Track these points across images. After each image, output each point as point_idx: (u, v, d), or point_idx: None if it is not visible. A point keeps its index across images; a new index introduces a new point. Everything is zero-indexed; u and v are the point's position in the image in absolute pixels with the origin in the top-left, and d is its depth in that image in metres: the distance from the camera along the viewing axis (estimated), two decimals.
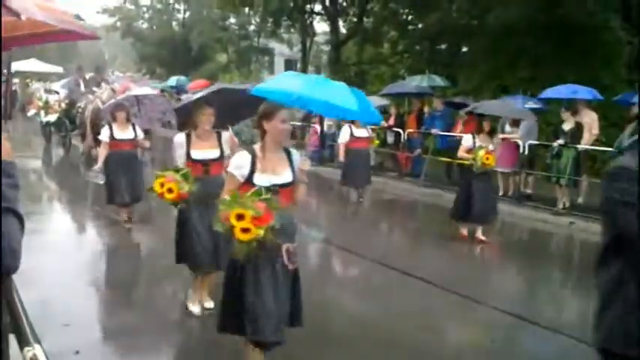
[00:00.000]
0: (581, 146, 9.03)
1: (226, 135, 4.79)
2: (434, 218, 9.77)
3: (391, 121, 12.64)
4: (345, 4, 23.10)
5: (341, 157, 9.93)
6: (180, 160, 4.63)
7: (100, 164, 7.26)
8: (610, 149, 9.52)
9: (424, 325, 4.81)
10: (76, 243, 7.26)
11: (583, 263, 7.49)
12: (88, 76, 15.52)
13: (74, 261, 6.22)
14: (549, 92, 10.49)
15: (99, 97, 12.11)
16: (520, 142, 9.82)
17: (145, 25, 36.53)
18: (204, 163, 4.64)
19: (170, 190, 4.34)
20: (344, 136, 9.65)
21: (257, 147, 3.40)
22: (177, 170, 4.48)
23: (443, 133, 11.47)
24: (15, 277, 1.61)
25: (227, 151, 4.69)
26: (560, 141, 9.16)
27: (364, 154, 9.77)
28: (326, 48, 25.20)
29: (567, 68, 13.05)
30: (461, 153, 7.48)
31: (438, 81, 14.59)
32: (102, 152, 7.27)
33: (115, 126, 7.25)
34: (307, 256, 7.36)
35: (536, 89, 11.70)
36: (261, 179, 3.27)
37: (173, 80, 23.85)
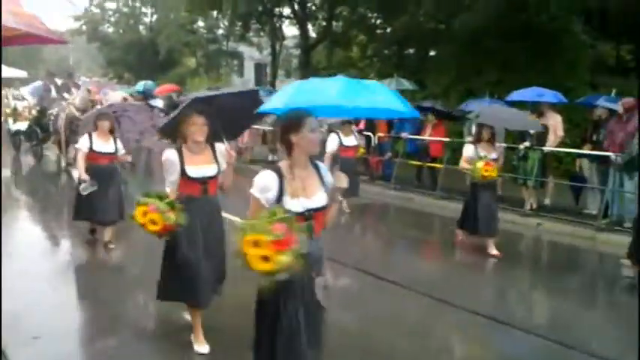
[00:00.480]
0: (547, 148, 9.23)
1: (221, 147, 4.20)
2: (405, 221, 9.86)
3: (361, 125, 12.71)
4: (314, 7, 23.21)
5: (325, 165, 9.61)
6: (172, 178, 4.07)
7: (84, 176, 6.51)
8: (574, 151, 9.79)
9: (399, 329, 4.84)
10: (47, 254, 6.97)
11: (551, 264, 7.67)
12: (59, 81, 14.69)
13: (46, 272, 6.07)
14: (515, 95, 10.69)
15: (72, 103, 11.70)
16: None
17: (112, 29, 35.94)
18: (202, 181, 4.11)
19: (154, 222, 3.79)
20: (332, 145, 9.10)
21: (283, 165, 2.90)
22: (160, 197, 3.90)
23: (412, 137, 11.59)
24: None
25: (223, 166, 4.20)
26: (527, 143, 9.36)
27: (352, 163, 9.23)
28: (296, 52, 25.25)
29: (532, 71, 13.35)
30: (462, 164, 7.11)
31: (407, 85, 14.77)
32: (80, 163, 6.57)
33: (95, 136, 6.58)
34: None
35: (502, 92, 11.93)
36: (292, 204, 2.78)
37: (140, 85, 23.50)
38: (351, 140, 9.24)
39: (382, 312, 5.23)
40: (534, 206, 9.35)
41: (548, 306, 5.89)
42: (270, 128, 15.44)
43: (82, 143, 6.61)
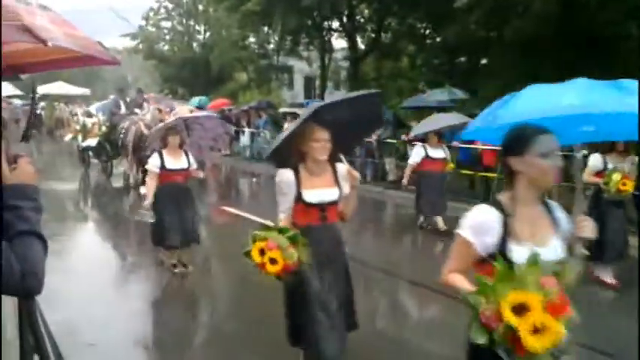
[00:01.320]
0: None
1: (343, 168, 3.59)
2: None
3: (411, 134, 12.60)
4: (362, 20, 23.26)
5: (404, 179, 8.87)
6: (287, 205, 3.48)
7: (149, 200, 6.03)
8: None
9: (440, 337, 4.72)
10: (110, 267, 7.19)
11: (638, 282, 7.31)
12: (128, 97, 14.74)
13: (102, 283, 6.27)
14: None
15: (142, 120, 11.60)
16: None
17: (167, 47, 37.13)
18: (322, 208, 3.52)
19: (274, 261, 3.16)
20: (416, 157, 8.39)
21: (505, 198, 2.22)
22: (281, 231, 3.28)
23: (464, 145, 11.38)
24: (42, 297, 1.62)
25: (345, 190, 3.59)
26: (585, 151, 9.00)
27: (439, 178, 8.60)
28: (344, 64, 25.33)
29: (590, 78, 12.87)
30: (588, 177, 6.06)
31: (459, 94, 14.55)
32: (150, 185, 6.04)
33: (165, 153, 6.08)
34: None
35: None
36: (520, 254, 2.05)
37: (195, 100, 24.19)
38: (438, 152, 8.52)
39: (434, 323, 5.12)
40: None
41: (638, 327, 5.62)
42: None
43: (153, 163, 6.06)
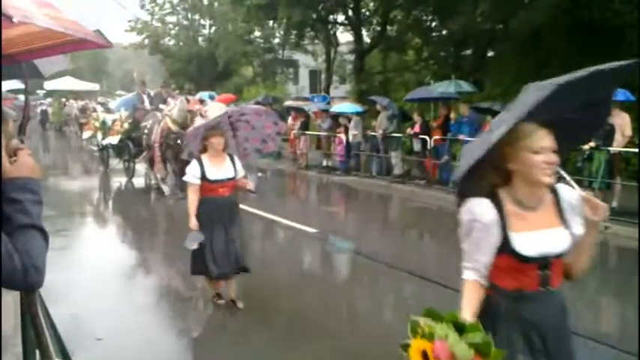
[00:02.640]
0: (614, 148, 8.80)
1: (572, 195, 2.22)
2: None
3: (417, 129, 12.56)
4: (368, 13, 23.16)
5: None
6: (480, 259, 2.17)
7: (193, 222, 4.91)
8: None
9: None
10: (116, 261, 7.28)
11: (619, 269, 7.29)
12: (152, 91, 13.74)
13: (108, 277, 6.30)
14: None
15: (168, 115, 10.64)
16: None
17: (172, 42, 37.15)
18: (544, 264, 2.15)
19: None
20: None
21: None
22: (459, 326, 1.91)
23: (470, 139, 11.31)
24: (50, 291, 1.62)
25: (576, 231, 2.19)
26: (592, 143, 8.95)
27: None
28: (350, 57, 25.24)
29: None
30: None
31: (465, 86, 14.47)
32: (192, 201, 4.91)
33: (206, 159, 4.92)
34: (337, 267, 7.33)
35: None
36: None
37: (205, 95, 24.13)
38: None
39: None
40: None
41: (616, 314, 5.59)
42: (325, 133, 15.51)
43: (191, 173, 4.92)
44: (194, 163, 4.95)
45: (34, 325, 1.58)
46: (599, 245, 8.14)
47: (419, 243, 8.81)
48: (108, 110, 15.26)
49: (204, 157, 4.94)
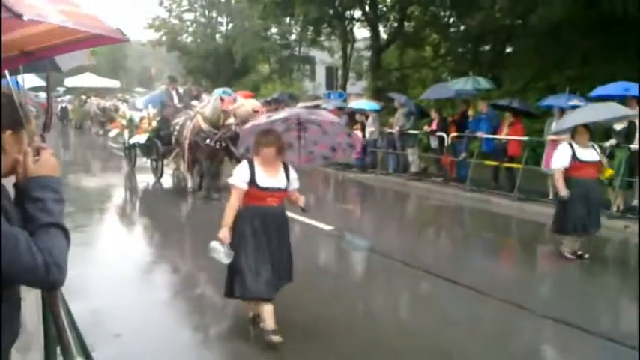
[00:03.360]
0: (635, 146, 8.66)
1: None
2: (481, 224, 9.57)
3: (434, 126, 12.48)
4: (385, 9, 23.06)
5: (561, 190, 6.60)
6: None
7: (225, 232, 4.21)
8: None
9: (474, 334, 4.68)
10: (135, 257, 7.39)
11: (638, 268, 7.18)
12: (181, 88, 13.24)
13: (127, 273, 6.36)
14: (599, 90, 10.11)
15: (200, 113, 10.23)
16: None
17: (190, 39, 37.40)
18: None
19: None
20: (562, 159, 6.68)
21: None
22: None
23: (488, 136, 11.22)
24: (68, 288, 1.64)
25: None
26: (612, 141, 8.83)
27: (592, 188, 6.80)
28: (367, 54, 25.17)
29: (616, 65, 12.58)
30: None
31: (483, 83, 14.32)
32: (232, 207, 4.28)
33: (258, 164, 4.29)
34: (353, 264, 7.33)
35: (584, 88, 11.32)
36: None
37: (219, 92, 24.17)
38: (590, 154, 6.76)
39: (456, 317, 5.08)
40: (621, 208, 8.80)
41: (636, 313, 5.51)
42: None
43: (240, 175, 4.30)
44: (244, 164, 4.34)
45: (57, 324, 1.60)
46: (618, 244, 8.06)
47: (435, 241, 8.76)
48: (135, 107, 14.36)
49: (255, 161, 4.32)
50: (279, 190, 4.35)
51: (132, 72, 61.00)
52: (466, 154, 11.85)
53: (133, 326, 4.71)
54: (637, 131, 8.68)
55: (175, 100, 12.23)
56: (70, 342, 1.61)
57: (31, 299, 1.73)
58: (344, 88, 24.08)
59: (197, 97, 12.01)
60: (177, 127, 10.89)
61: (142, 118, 12.70)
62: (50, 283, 1.53)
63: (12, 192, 1.65)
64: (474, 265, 7.02)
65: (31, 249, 1.48)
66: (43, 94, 33.00)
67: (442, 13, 21.07)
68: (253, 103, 10.30)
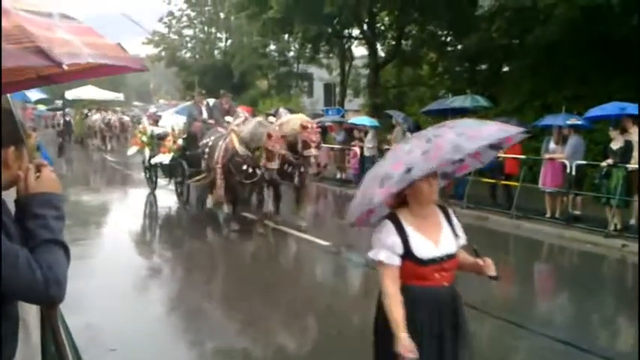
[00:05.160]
0: (632, 165, 8.71)
1: None
2: (479, 241, 9.51)
3: None
4: (383, 27, 23.26)
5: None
6: None
7: (403, 334, 2.49)
8: None
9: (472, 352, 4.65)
10: (131, 272, 7.36)
11: (637, 287, 7.17)
12: (210, 101, 11.85)
13: (121, 286, 6.33)
14: (596, 110, 10.19)
15: (235, 131, 8.90)
16: (567, 162, 9.57)
17: (189, 55, 37.63)
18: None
19: None
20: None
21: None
22: None
23: None
24: (64, 302, 1.63)
25: None
26: (610, 160, 8.88)
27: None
28: (364, 71, 25.33)
29: (613, 85, 12.70)
30: None
31: (481, 101, 14.40)
32: (393, 296, 2.63)
33: (408, 221, 2.70)
34: (349, 280, 7.30)
35: (581, 107, 11.40)
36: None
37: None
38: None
39: None
40: (619, 227, 8.81)
41: (634, 334, 5.49)
42: (339, 146, 15.54)
43: (386, 245, 2.67)
44: (386, 225, 2.70)
45: (56, 340, 1.59)
46: (616, 262, 8.06)
47: None
48: (157, 122, 13.02)
49: (402, 216, 2.71)
50: (448, 257, 2.77)
51: (130, 86, 61.25)
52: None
53: (129, 341, 4.67)
54: (634, 150, 8.73)
55: (204, 115, 10.93)
56: (69, 358, 1.60)
57: (29, 316, 1.72)
58: (342, 104, 24.20)
59: (229, 112, 10.59)
60: (207, 150, 9.52)
61: (163, 135, 11.38)
62: (49, 299, 1.53)
63: (12, 208, 1.65)
64: (472, 282, 6.99)
65: (31, 265, 1.48)
66: (42, 107, 32.33)
67: (439, 32, 21.25)
68: (302, 118, 8.80)
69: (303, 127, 8.28)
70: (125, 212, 11.45)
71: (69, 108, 32.27)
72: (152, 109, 20.61)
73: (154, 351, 4.68)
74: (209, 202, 10.25)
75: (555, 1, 11.33)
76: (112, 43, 1.86)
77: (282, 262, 7.99)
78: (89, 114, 27.86)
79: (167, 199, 11.98)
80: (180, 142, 10.84)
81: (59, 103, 33.23)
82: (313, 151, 8.37)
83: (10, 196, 1.66)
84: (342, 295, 6.42)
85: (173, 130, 11.21)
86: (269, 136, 8.20)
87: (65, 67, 1.46)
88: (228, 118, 10.12)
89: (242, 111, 10.33)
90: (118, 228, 9.76)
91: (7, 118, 1.62)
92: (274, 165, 8.23)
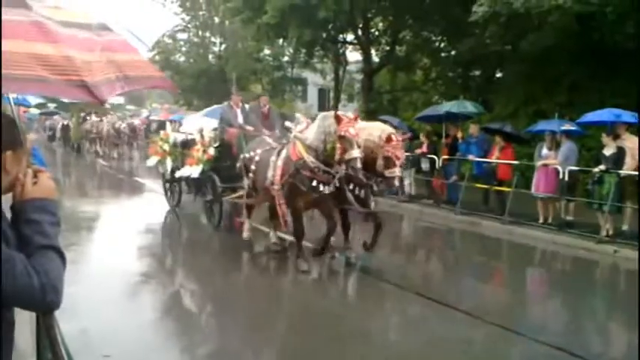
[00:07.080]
0: (624, 172, 8.77)
1: None
2: (472, 247, 9.59)
3: (424, 148, 12.56)
4: (377, 33, 23.36)
5: None
6: None
7: None
8: None
9: (464, 357, 4.67)
10: (124, 278, 7.28)
11: (629, 294, 7.21)
12: (247, 105, 10.05)
13: (114, 292, 6.30)
14: (590, 116, 10.27)
15: (299, 138, 6.86)
16: (559, 168, 9.63)
17: (183, 59, 37.57)
18: None
19: None
20: None
21: None
22: None
23: (479, 159, 11.32)
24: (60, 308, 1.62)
25: None
26: (602, 166, 8.95)
27: None
28: (359, 76, 25.41)
29: (606, 92, 12.80)
30: None
31: (473, 107, 14.47)
32: None
33: None
34: (343, 286, 7.29)
35: (574, 114, 11.49)
36: None
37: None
38: None
39: (447, 340, 5.06)
40: (611, 232, 8.87)
41: (626, 339, 5.52)
42: None
43: None
44: None
45: (52, 347, 1.59)
46: (608, 268, 8.11)
47: (426, 263, 8.75)
48: (181, 128, 11.38)
49: None
50: None
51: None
52: (457, 177, 11.92)
53: (122, 347, 4.65)
54: (626, 156, 8.80)
55: (240, 119, 9.27)
56: None
57: (24, 322, 1.72)
58: (336, 109, 24.22)
59: (268, 117, 9.25)
60: (246, 161, 7.76)
61: (189, 142, 9.86)
62: (46, 305, 1.53)
63: (8, 213, 1.65)
64: (465, 287, 7.02)
65: (28, 271, 1.48)
66: (35, 111, 31.45)
67: (433, 38, 21.36)
68: (385, 128, 7.07)
69: (388, 140, 6.68)
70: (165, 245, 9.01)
71: (63, 112, 31.79)
72: (144, 113, 20.24)
73: (149, 356, 4.66)
74: (245, 229, 8.36)
75: (549, 7, 11.42)
76: (144, 60, 1.87)
77: (273, 265, 7.91)
78: (87, 117, 27.12)
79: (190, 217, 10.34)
80: (211, 151, 9.08)
81: (51, 106, 32.93)
82: (397, 171, 6.76)
83: (5, 201, 1.66)
84: (334, 298, 6.40)
85: (202, 137, 9.38)
86: (338, 120, 6.29)
87: (107, 105, 1.51)
88: (287, 124, 8.53)
89: (301, 117, 8.73)
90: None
91: (7, 122, 1.62)
92: (356, 153, 6.17)
